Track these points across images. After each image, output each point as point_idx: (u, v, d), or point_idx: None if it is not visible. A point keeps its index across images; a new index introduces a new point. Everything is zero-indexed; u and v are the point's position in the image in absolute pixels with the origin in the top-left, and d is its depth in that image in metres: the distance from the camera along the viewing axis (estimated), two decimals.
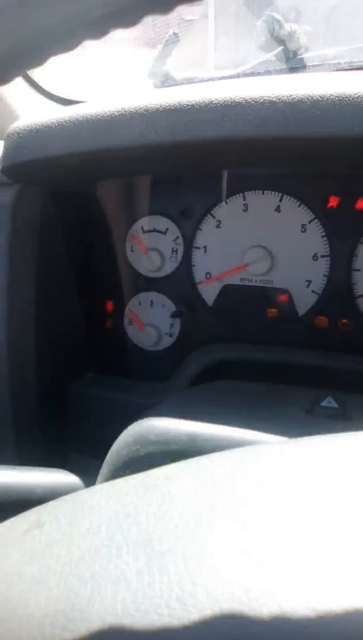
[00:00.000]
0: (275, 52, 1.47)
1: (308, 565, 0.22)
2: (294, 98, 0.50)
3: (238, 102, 0.52)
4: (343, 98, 0.48)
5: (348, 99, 0.48)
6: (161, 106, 0.55)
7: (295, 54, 1.46)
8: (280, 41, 1.38)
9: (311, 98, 0.49)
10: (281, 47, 1.44)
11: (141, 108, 0.55)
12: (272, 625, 0.21)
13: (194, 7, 1.51)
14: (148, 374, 0.95)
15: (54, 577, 0.26)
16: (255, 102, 0.51)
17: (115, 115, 0.57)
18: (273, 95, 0.51)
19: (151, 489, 0.30)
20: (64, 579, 0.26)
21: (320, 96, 0.49)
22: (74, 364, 0.93)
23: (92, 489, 0.33)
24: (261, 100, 0.51)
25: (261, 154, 0.60)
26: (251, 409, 0.58)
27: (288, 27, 1.36)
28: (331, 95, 0.49)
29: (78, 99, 0.78)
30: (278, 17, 1.34)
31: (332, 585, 0.21)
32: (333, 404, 0.56)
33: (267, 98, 0.51)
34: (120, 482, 0.32)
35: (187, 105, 0.54)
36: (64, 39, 0.24)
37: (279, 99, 0.50)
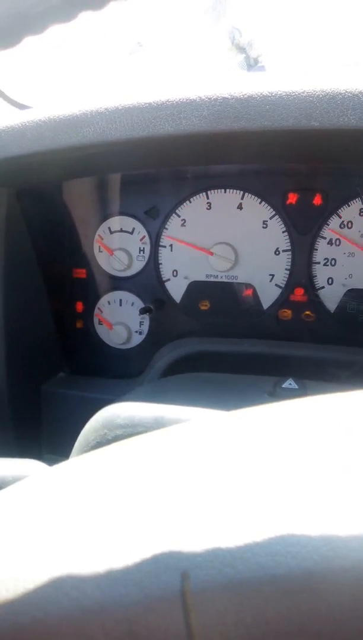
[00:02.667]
0: (238, 60, 1.51)
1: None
2: (245, 94, 0.53)
3: (193, 99, 0.54)
4: (290, 93, 0.51)
5: (295, 94, 0.51)
6: (120, 105, 0.57)
7: (256, 61, 1.51)
8: (241, 49, 1.42)
9: (261, 94, 0.52)
10: (244, 55, 1.49)
11: (101, 107, 0.58)
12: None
13: (158, 16, 1.54)
14: (120, 372, 0.97)
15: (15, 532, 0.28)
16: (209, 99, 0.54)
17: (76, 115, 0.59)
18: (226, 92, 0.53)
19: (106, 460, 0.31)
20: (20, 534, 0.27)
21: (269, 92, 0.52)
22: (46, 365, 0.94)
23: (54, 467, 0.35)
24: (215, 97, 0.53)
25: (218, 150, 0.63)
26: (216, 395, 0.61)
27: (248, 35, 1.40)
28: (279, 91, 0.52)
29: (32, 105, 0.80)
30: (238, 25, 1.38)
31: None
32: (294, 385, 0.58)
33: (220, 95, 0.53)
34: (79, 459, 0.34)
35: (145, 103, 0.56)
36: (5, 35, 0.25)
37: (231, 96, 0.53)
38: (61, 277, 0.95)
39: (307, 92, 0.51)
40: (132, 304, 0.95)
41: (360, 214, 0.82)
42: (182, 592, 0.23)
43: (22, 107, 0.68)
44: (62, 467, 0.33)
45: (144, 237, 0.92)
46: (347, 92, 0.49)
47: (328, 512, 0.23)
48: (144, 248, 0.92)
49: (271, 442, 0.28)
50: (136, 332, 0.96)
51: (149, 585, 0.24)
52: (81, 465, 0.32)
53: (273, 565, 0.22)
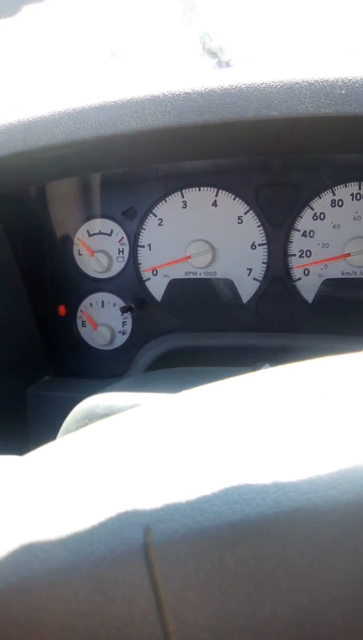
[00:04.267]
0: (211, 64, 1.54)
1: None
2: (206, 88, 0.54)
3: (156, 95, 0.56)
4: (250, 85, 0.53)
5: (254, 86, 0.53)
6: (87, 104, 0.58)
7: (229, 65, 1.54)
8: (212, 53, 1.44)
9: (222, 87, 0.54)
10: (216, 60, 1.51)
11: (68, 107, 0.59)
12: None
13: (130, 26, 1.57)
14: (105, 373, 0.97)
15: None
16: (172, 94, 0.55)
17: (45, 116, 0.60)
18: (188, 87, 0.55)
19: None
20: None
21: (229, 85, 0.54)
22: (31, 369, 0.95)
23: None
24: (177, 92, 0.55)
25: (190, 145, 0.64)
26: (194, 385, 0.62)
27: (218, 39, 1.43)
28: (239, 83, 0.53)
29: None
30: (208, 31, 1.41)
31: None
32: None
33: (183, 90, 0.55)
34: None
35: (111, 101, 0.58)
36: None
37: (193, 90, 0.55)
38: (42, 281, 0.96)
39: (266, 84, 0.52)
40: (114, 305, 0.96)
41: (331, 205, 0.84)
42: (145, 546, 0.24)
43: None
44: (33, 452, 0.34)
45: (122, 238, 0.93)
46: (303, 81, 0.51)
47: (278, 460, 0.24)
48: (123, 249, 0.94)
49: (221, 401, 0.29)
50: (120, 332, 0.97)
51: (114, 541, 0.25)
52: (48, 446, 0.33)
53: (229, 513, 0.23)
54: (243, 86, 0.53)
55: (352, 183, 0.82)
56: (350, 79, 0.50)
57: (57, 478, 0.28)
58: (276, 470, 0.24)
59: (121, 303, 0.95)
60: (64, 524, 0.26)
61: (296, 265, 0.86)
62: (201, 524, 0.24)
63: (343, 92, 0.49)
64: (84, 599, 0.24)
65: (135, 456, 0.27)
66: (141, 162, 0.78)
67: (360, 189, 0.82)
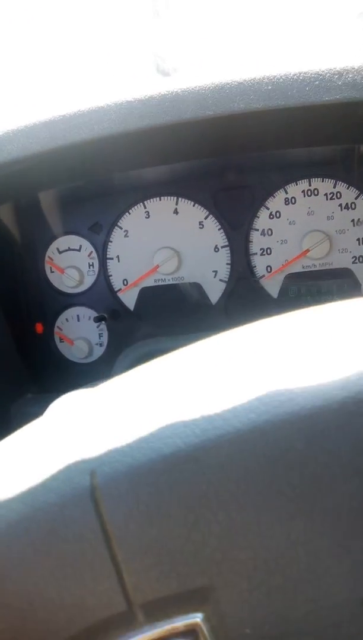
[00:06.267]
0: None
1: None
2: (146, 95, 0.58)
3: (101, 106, 0.60)
4: (185, 89, 0.57)
5: (189, 89, 0.57)
6: (37, 120, 0.62)
7: None
8: (166, 74, 1.50)
9: (160, 93, 0.58)
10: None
11: (20, 124, 0.63)
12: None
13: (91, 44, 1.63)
14: (86, 386, 0.99)
15: None
16: (115, 104, 0.59)
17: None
18: (130, 96, 0.59)
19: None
20: None
21: (166, 91, 0.58)
22: (13, 388, 0.97)
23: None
24: (120, 101, 0.59)
25: (140, 151, 0.68)
26: None
27: (171, 60, 1.49)
28: (175, 88, 0.57)
29: None
30: (160, 53, 1.47)
31: None
32: None
33: (124, 99, 0.59)
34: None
35: (59, 115, 0.61)
36: None
37: (134, 98, 0.59)
38: (17, 301, 0.98)
39: (199, 86, 0.56)
40: (90, 318, 0.98)
41: (285, 203, 0.88)
42: (92, 487, 0.26)
43: None
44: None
45: (91, 252, 0.96)
46: (233, 81, 0.55)
47: (205, 394, 0.27)
48: (93, 263, 0.97)
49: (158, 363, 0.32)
50: (97, 344, 0.99)
51: (64, 488, 0.27)
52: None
53: (163, 447, 0.26)
54: (179, 90, 0.57)
55: (302, 180, 0.86)
56: (275, 76, 0.54)
57: (6, 438, 0.30)
58: (204, 404, 0.26)
59: (95, 315, 0.98)
60: (18, 480, 0.28)
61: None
62: (139, 460, 0.26)
63: (270, 87, 0.53)
64: (40, 542, 0.26)
65: (77, 410, 0.29)
66: (101, 173, 0.81)
67: (310, 185, 0.86)
